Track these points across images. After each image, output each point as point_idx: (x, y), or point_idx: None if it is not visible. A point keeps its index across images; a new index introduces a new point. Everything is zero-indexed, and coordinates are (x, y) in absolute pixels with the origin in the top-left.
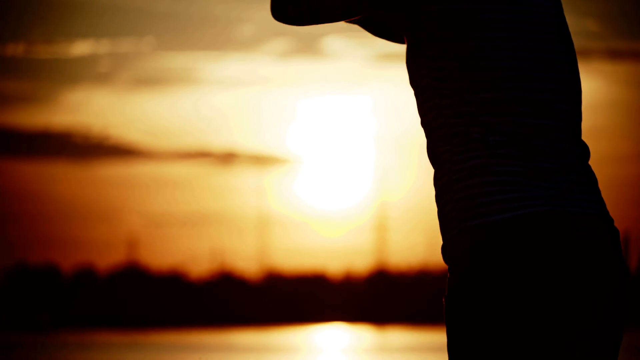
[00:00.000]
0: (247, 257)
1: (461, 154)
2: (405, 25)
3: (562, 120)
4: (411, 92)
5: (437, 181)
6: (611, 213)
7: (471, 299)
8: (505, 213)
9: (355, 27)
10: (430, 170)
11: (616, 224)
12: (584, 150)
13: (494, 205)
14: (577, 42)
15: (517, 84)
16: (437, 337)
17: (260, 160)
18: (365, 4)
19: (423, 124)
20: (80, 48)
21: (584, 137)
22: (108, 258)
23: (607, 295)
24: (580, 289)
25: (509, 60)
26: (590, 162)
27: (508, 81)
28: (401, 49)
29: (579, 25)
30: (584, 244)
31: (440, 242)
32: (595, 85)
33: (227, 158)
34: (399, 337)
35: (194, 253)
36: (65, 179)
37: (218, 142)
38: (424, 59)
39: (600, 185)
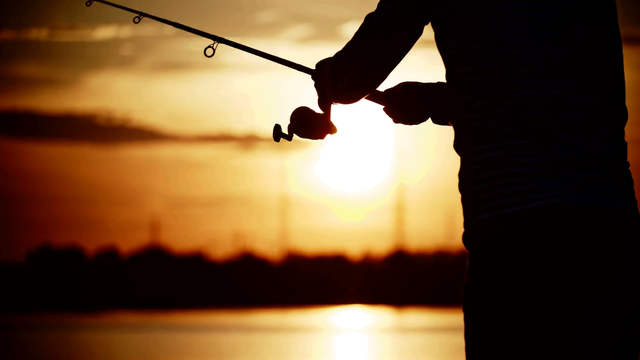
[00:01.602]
0: (268, 239)
1: (479, 146)
2: (436, 37)
3: (590, 114)
4: (429, 75)
5: (460, 172)
6: None
7: (487, 289)
8: (521, 205)
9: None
10: (449, 154)
11: None
12: (619, 148)
13: (510, 197)
14: None
15: (537, 73)
16: (455, 318)
17: (281, 144)
18: (403, 31)
19: (451, 120)
20: (103, 32)
21: None
22: (131, 240)
23: (621, 287)
24: (594, 281)
25: (532, 49)
26: None
27: (527, 71)
28: (422, 36)
29: None
30: (600, 236)
31: (458, 223)
32: None
33: (249, 141)
34: (417, 317)
35: (216, 235)
36: (88, 161)
37: (240, 125)
38: (450, 58)
39: None
